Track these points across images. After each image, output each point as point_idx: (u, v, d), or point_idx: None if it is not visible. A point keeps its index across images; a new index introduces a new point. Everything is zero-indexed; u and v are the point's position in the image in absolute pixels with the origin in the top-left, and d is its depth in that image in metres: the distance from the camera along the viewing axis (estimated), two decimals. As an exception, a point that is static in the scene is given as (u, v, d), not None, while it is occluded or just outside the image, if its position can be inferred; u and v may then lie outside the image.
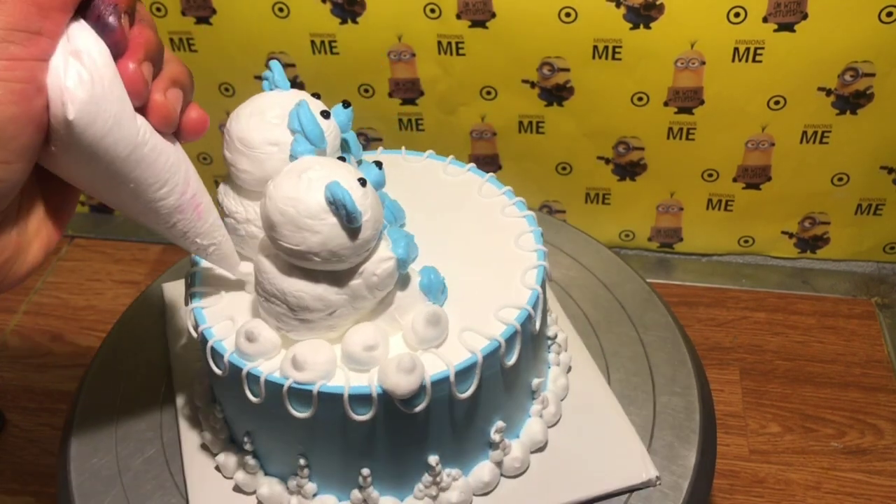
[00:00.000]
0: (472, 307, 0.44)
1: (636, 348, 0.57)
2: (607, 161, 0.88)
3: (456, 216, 0.51)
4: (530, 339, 0.45)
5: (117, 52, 0.34)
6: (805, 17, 0.73)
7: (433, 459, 0.44)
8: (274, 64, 0.44)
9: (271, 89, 0.44)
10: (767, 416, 0.78)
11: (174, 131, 0.38)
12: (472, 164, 0.54)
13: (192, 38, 0.84)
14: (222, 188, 0.45)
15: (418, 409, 0.41)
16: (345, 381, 0.41)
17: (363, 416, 0.41)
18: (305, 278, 0.40)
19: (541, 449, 0.49)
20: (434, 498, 0.46)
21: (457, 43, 0.80)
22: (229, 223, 0.44)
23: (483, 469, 0.47)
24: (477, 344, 0.42)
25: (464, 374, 0.41)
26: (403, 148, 0.57)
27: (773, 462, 0.74)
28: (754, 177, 0.87)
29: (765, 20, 0.74)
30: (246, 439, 0.46)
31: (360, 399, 0.40)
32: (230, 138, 0.43)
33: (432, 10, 0.78)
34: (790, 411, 0.78)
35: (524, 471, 0.48)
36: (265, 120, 0.42)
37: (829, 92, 0.78)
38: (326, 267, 0.39)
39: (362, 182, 0.39)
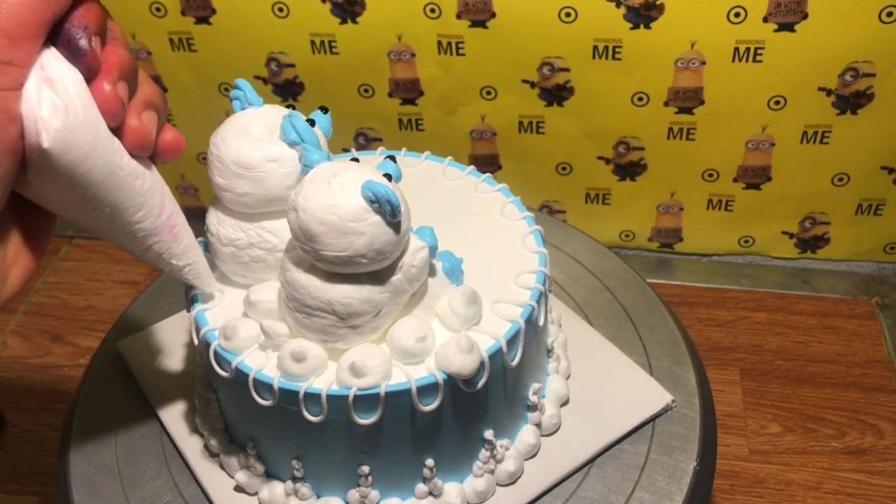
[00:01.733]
0: (489, 282, 0.46)
1: (636, 348, 0.57)
2: (607, 161, 0.88)
3: (456, 216, 0.51)
4: (546, 299, 0.47)
5: (90, 76, 0.34)
6: (805, 17, 0.73)
7: (489, 434, 0.45)
8: (242, 83, 0.43)
9: (244, 108, 0.43)
10: (768, 416, 0.78)
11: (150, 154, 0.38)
12: (472, 167, 0.55)
13: (192, 38, 0.84)
14: (214, 218, 0.44)
15: (480, 384, 0.42)
16: (405, 376, 0.41)
17: (430, 406, 0.41)
18: (349, 283, 0.40)
19: (565, 403, 0.51)
20: (492, 472, 0.47)
21: (457, 43, 0.80)
22: (229, 252, 0.43)
23: (527, 433, 0.48)
24: (513, 313, 0.44)
25: (511, 342, 0.43)
26: (404, 149, 0.57)
27: (774, 462, 0.74)
28: (754, 177, 0.87)
29: (765, 20, 0.74)
30: (292, 466, 0.46)
31: (427, 390, 0.41)
32: (222, 163, 0.42)
33: (432, 10, 0.78)
34: (790, 411, 0.78)
35: (559, 427, 0.50)
36: (254, 138, 0.42)
37: (829, 92, 0.78)
38: (372, 267, 0.39)
39: (388, 177, 0.39)
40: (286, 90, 0.87)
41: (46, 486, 0.74)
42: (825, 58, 0.76)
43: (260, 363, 0.42)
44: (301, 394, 0.41)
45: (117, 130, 0.35)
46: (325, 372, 0.42)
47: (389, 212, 0.38)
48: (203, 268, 0.44)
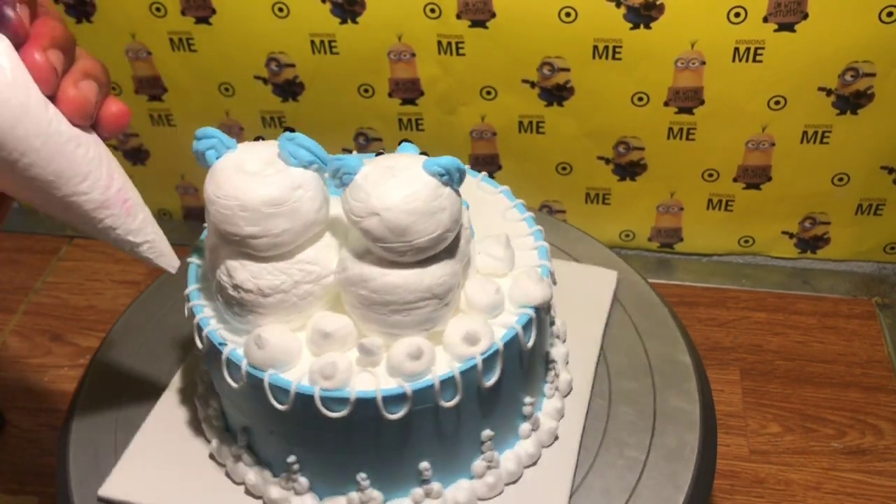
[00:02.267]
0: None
1: (636, 348, 0.57)
2: (607, 161, 0.88)
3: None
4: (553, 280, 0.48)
5: (17, 43, 0.34)
6: (805, 17, 0.73)
7: (529, 404, 0.47)
8: (210, 130, 0.41)
9: (220, 154, 0.41)
10: (768, 416, 0.78)
11: (95, 127, 0.38)
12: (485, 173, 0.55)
13: (192, 38, 0.84)
14: (245, 274, 0.41)
15: (530, 343, 0.43)
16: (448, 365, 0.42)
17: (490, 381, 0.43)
18: (436, 263, 0.41)
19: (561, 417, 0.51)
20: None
21: (457, 43, 0.80)
22: (275, 301, 0.41)
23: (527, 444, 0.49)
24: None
25: (527, 326, 0.44)
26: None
27: (774, 462, 0.74)
28: (754, 177, 0.87)
29: (765, 20, 0.74)
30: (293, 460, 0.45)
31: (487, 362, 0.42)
32: (248, 211, 0.39)
33: (432, 10, 0.78)
34: (790, 411, 0.78)
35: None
36: (266, 174, 0.40)
37: (829, 92, 0.78)
38: (451, 238, 0.40)
39: (423, 153, 0.41)
40: (286, 90, 0.87)
41: (46, 486, 0.74)
42: (825, 58, 0.76)
43: (366, 385, 0.41)
44: (436, 385, 0.41)
45: (54, 99, 0.36)
46: (424, 358, 0.42)
47: (458, 178, 0.39)
48: (164, 245, 0.42)
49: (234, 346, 0.43)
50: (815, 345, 0.84)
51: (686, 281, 0.92)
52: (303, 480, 0.46)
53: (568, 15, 0.76)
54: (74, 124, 0.36)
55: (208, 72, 0.86)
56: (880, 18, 0.72)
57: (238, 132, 0.92)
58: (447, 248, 0.41)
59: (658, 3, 0.74)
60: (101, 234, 0.40)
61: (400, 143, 0.44)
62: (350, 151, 0.55)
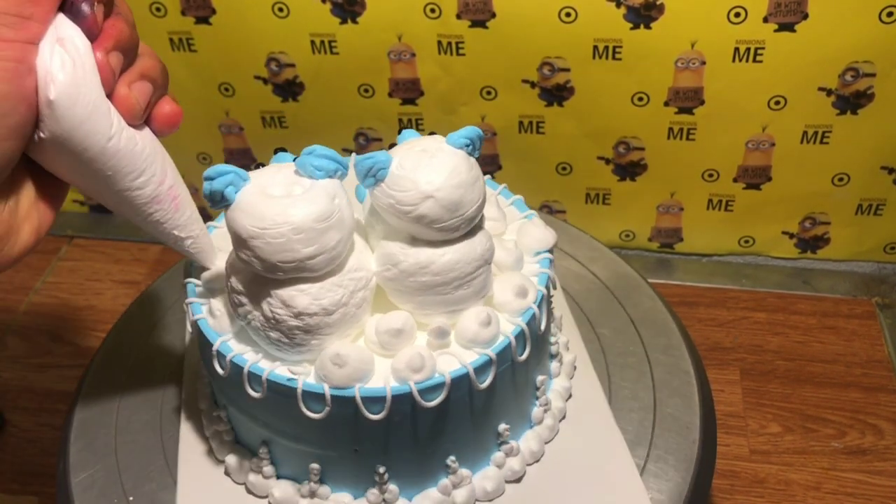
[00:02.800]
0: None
1: (636, 348, 0.57)
2: (607, 161, 0.88)
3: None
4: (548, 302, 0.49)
5: (90, 39, 0.36)
6: (805, 17, 0.73)
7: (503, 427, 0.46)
8: (224, 167, 0.39)
9: (239, 188, 0.39)
10: (768, 416, 0.78)
11: (149, 124, 0.40)
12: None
13: (192, 38, 0.84)
14: (305, 300, 0.40)
15: (488, 381, 0.43)
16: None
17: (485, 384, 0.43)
18: (478, 232, 0.42)
19: (537, 460, 0.49)
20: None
21: (457, 43, 0.80)
22: (338, 317, 0.41)
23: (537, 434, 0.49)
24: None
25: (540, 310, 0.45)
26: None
27: (774, 462, 0.74)
28: (755, 177, 0.87)
29: (765, 20, 0.74)
30: (315, 466, 0.45)
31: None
32: (302, 232, 0.38)
33: (432, 10, 0.78)
34: (790, 411, 0.78)
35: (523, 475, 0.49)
36: (296, 194, 0.39)
37: (829, 92, 0.78)
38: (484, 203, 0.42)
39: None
40: (286, 90, 0.87)
41: (46, 486, 0.75)
42: (825, 58, 0.76)
43: (450, 366, 0.42)
44: (512, 342, 0.42)
45: (110, 97, 0.37)
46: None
47: (479, 144, 0.41)
48: (206, 242, 0.44)
49: (295, 376, 0.41)
50: (815, 345, 0.84)
51: (686, 281, 0.92)
52: (325, 488, 0.46)
53: (568, 15, 0.76)
54: (127, 122, 0.38)
55: (208, 72, 0.86)
56: (880, 18, 0.72)
57: (238, 132, 0.92)
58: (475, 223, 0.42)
59: (658, 3, 0.74)
60: (149, 226, 0.41)
61: (400, 132, 0.44)
62: (350, 152, 0.55)
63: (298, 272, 0.39)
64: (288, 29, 0.81)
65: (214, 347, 0.43)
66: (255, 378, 0.42)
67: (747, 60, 0.77)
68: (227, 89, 0.88)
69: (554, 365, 0.52)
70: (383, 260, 0.42)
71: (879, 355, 0.82)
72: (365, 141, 0.90)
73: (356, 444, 0.43)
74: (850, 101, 0.79)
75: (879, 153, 0.83)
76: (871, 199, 0.87)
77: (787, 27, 0.74)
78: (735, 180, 0.87)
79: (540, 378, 0.48)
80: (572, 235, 0.66)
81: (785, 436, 0.76)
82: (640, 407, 0.52)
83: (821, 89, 0.78)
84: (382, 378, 0.41)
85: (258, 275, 0.40)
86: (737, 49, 0.76)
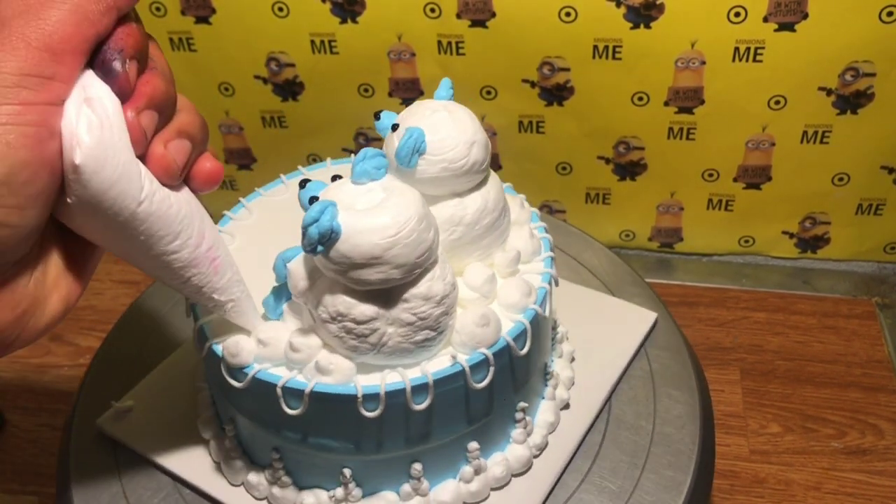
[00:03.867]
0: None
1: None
2: (607, 161, 0.88)
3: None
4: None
5: (122, 99, 0.33)
6: (805, 16, 0.73)
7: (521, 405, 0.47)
8: (322, 204, 0.37)
9: (334, 216, 0.38)
10: (768, 416, 0.78)
11: (188, 182, 0.37)
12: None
13: (192, 38, 0.84)
14: (440, 287, 0.40)
15: (525, 349, 0.44)
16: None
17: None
18: (488, 181, 0.44)
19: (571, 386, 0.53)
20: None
21: (457, 43, 0.80)
22: (455, 289, 0.41)
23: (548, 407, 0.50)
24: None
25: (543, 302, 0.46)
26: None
27: (774, 462, 0.74)
28: (755, 177, 0.87)
29: (765, 20, 0.74)
30: (346, 474, 0.44)
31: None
32: (426, 221, 0.38)
33: (432, 10, 0.78)
34: (790, 411, 0.78)
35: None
36: (380, 199, 0.39)
37: (829, 92, 0.78)
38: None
39: (394, 127, 0.44)
40: (286, 90, 0.87)
41: (46, 486, 0.74)
42: (825, 58, 0.76)
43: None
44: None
45: (143, 157, 0.35)
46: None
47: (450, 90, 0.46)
48: (247, 305, 0.41)
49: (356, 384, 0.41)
50: (815, 345, 0.84)
51: (686, 281, 0.92)
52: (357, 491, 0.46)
53: (568, 15, 0.76)
54: (163, 183, 0.35)
55: (208, 71, 0.86)
56: (880, 18, 0.72)
57: (238, 132, 0.92)
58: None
59: (658, 2, 0.74)
60: (188, 291, 0.39)
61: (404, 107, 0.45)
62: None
63: (429, 259, 0.39)
64: (288, 29, 0.81)
65: (279, 385, 0.41)
66: (292, 393, 0.41)
67: (747, 60, 0.77)
68: (226, 89, 0.88)
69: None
70: (445, 226, 0.42)
71: (879, 355, 0.82)
72: (364, 141, 0.90)
73: (405, 437, 0.43)
74: (850, 100, 0.79)
75: (879, 153, 0.83)
76: (871, 199, 0.87)
77: (787, 27, 0.74)
78: (735, 180, 0.87)
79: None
80: (572, 235, 0.66)
81: (785, 436, 0.76)
82: (640, 407, 0.52)
83: (821, 89, 0.78)
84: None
85: (382, 291, 0.39)
86: (737, 49, 0.76)
